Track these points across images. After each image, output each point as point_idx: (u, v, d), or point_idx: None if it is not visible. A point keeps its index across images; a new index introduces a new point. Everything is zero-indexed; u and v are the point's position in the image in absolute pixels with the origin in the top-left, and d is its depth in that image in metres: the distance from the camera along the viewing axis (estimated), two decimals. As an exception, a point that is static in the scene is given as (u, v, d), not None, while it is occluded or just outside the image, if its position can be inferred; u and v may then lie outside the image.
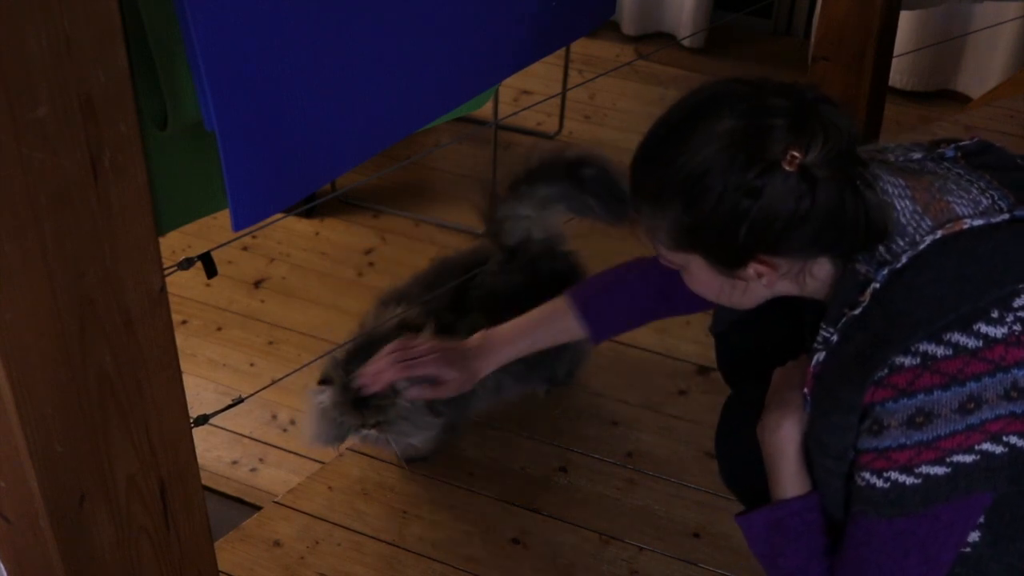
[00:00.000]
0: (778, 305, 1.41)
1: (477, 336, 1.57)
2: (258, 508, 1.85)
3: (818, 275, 1.15)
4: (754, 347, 1.45)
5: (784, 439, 1.22)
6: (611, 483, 1.83)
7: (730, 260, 1.12)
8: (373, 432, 1.68)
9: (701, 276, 1.17)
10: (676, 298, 1.52)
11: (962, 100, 3.60)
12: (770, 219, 1.06)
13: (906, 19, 3.34)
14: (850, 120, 1.09)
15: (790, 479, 1.22)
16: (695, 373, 2.08)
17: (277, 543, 1.71)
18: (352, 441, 1.77)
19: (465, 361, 1.54)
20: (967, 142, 1.21)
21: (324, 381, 1.67)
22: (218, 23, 1.04)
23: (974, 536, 1.14)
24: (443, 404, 1.68)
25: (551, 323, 1.55)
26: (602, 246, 2.79)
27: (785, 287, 1.17)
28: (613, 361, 2.09)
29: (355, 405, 1.62)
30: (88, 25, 0.89)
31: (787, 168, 1.05)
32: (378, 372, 1.56)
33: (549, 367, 1.91)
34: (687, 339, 2.16)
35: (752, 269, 1.12)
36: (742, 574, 1.66)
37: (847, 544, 1.17)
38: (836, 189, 1.07)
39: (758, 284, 1.15)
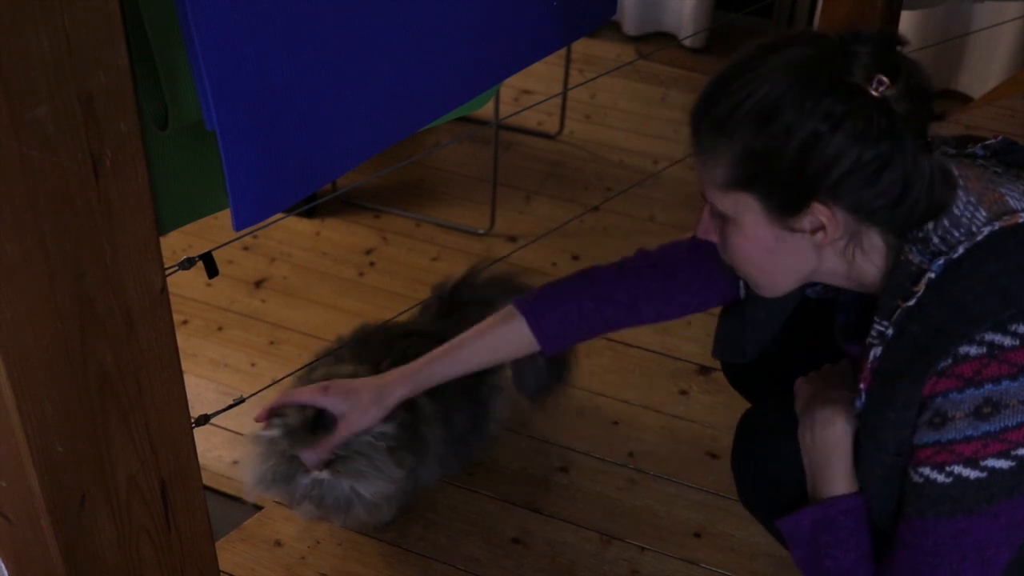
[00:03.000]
0: (787, 316, 1.40)
1: (393, 373, 1.43)
2: (259, 508, 1.85)
3: (868, 252, 1.11)
4: (761, 362, 1.44)
5: (839, 433, 1.19)
6: (612, 483, 1.83)
7: (790, 200, 1.06)
8: (324, 475, 1.44)
9: (751, 227, 1.11)
10: (640, 305, 1.43)
11: (962, 100, 3.60)
12: (844, 151, 1.02)
13: (906, 19, 3.34)
14: (928, 73, 1.07)
15: (842, 476, 1.19)
16: (696, 373, 2.08)
17: (278, 543, 1.71)
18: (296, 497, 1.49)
19: (357, 396, 1.40)
20: (992, 141, 1.19)
21: (275, 413, 1.44)
22: (218, 23, 1.04)
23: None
24: (405, 454, 1.50)
25: (461, 359, 1.43)
26: (599, 244, 2.80)
27: (832, 262, 1.13)
28: (613, 361, 2.09)
29: (311, 434, 1.40)
30: (88, 25, 0.89)
31: (873, 93, 1.02)
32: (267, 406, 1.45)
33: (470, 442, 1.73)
34: (688, 339, 2.16)
35: (809, 219, 1.07)
36: (743, 574, 1.66)
37: (900, 548, 1.13)
38: (912, 135, 1.04)
39: (809, 244, 1.10)
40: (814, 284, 1.33)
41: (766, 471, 1.30)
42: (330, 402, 1.39)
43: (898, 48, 1.06)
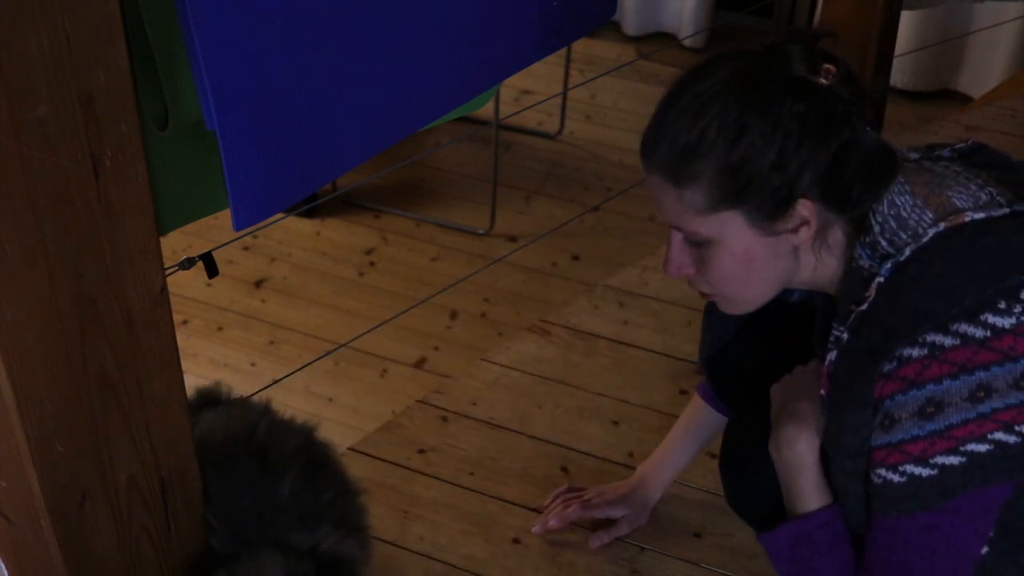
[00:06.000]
0: (767, 323, 1.41)
1: (636, 473, 1.68)
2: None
3: (832, 247, 1.14)
4: (746, 368, 1.45)
5: (803, 451, 1.21)
6: (612, 482, 1.82)
7: (777, 202, 1.09)
8: None
9: (735, 242, 1.13)
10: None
11: (962, 100, 3.60)
12: (815, 145, 1.06)
13: (906, 19, 3.34)
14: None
15: (812, 491, 1.21)
16: (696, 373, 2.07)
17: (278, 543, 1.71)
18: None
19: (633, 497, 1.65)
20: (961, 144, 1.21)
21: None
22: (218, 23, 1.04)
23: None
24: None
25: (691, 429, 1.63)
26: (599, 244, 2.80)
27: (805, 262, 1.15)
28: (614, 361, 2.09)
29: None
30: (88, 25, 0.89)
31: (824, 82, 1.06)
32: (558, 513, 1.66)
33: None
34: (688, 339, 2.16)
35: (792, 219, 1.10)
36: (743, 574, 1.66)
37: (872, 550, 1.15)
38: (857, 115, 1.09)
39: (788, 246, 1.13)
40: (791, 292, 1.37)
41: (751, 476, 1.31)
42: (615, 510, 1.66)
43: (822, 39, 1.12)
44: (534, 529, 1.68)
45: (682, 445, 1.65)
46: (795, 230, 1.11)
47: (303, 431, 1.39)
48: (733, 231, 1.12)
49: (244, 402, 1.43)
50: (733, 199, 1.10)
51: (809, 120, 1.06)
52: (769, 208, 1.10)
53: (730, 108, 1.07)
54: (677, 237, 1.17)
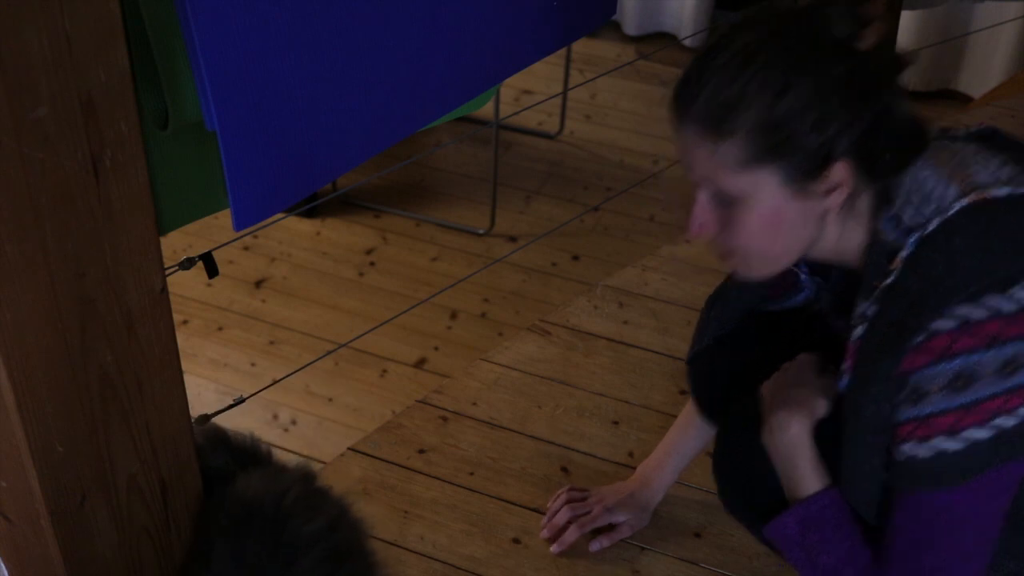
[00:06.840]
0: (758, 331, 1.41)
1: (635, 475, 1.70)
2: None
3: (857, 217, 1.14)
4: (730, 372, 1.45)
5: (796, 434, 1.21)
6: (612, 483, 1.82)
7: (814, 163, 1.08)
8: None
9: (767, 201, 1.10)
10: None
11: (962, 100, 3.60)
12: (858, 106, 1.06)
13: (906, 19, 3.34)
14: None
15: (811, 474, 1.22)
16: (696, 373, 2.08)
17: (278, 543, 1.71)
18: None
19: (634, 500, 1.66)
20: (975, 128, 1.21)
21: None
22: (219, 23, 1.04)
23: None
24: None
25: (690, 430, 1.63)
26: (599, 244, 2.80)
27: (831, 229, 1.15)
28: (613, 361, 2.09)
29: None
30: (89, 24, 0.89)
31: (865, 45, 1.06)
32: (561, 533, 1.67)
33: None
34: (688, 339, 2.15)
35: (827, 180, 1.09)
36: (743, 574, 1.66)
37: (894, 527, 1.15)
38: (895, 81, 1.09)
39: (818, 211, 1.12)
40: (794, 296, 1.36)
41: (746, 475, 1.31)
42: (616, 516, 1.67)
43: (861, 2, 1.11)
44: (552, 549, 1.67)
45: (682, 446, 1.65)
46: (828, 193, 1.10)
47: (333, 509, 1.23)
48: (766, 189, 1.10)
49: (282, 465, 1.29)
50: (770, 155, 1.08)
51: (852, 83, 1.05)
52: (806, 168, 1.08)
53: (774, 64, 1.06)
54: (703, 196, 1.15)
